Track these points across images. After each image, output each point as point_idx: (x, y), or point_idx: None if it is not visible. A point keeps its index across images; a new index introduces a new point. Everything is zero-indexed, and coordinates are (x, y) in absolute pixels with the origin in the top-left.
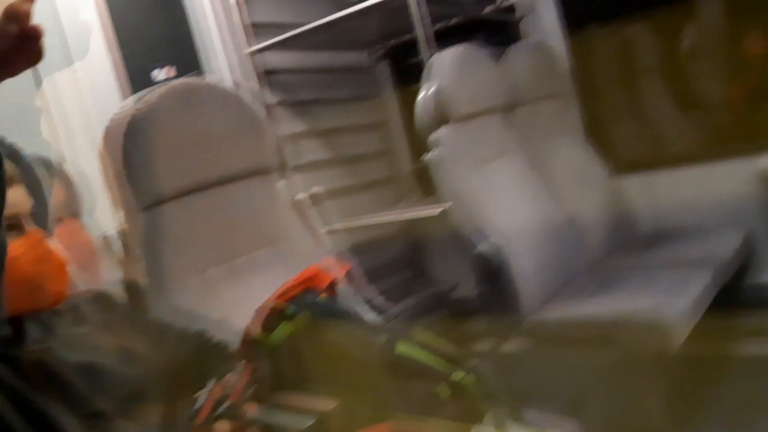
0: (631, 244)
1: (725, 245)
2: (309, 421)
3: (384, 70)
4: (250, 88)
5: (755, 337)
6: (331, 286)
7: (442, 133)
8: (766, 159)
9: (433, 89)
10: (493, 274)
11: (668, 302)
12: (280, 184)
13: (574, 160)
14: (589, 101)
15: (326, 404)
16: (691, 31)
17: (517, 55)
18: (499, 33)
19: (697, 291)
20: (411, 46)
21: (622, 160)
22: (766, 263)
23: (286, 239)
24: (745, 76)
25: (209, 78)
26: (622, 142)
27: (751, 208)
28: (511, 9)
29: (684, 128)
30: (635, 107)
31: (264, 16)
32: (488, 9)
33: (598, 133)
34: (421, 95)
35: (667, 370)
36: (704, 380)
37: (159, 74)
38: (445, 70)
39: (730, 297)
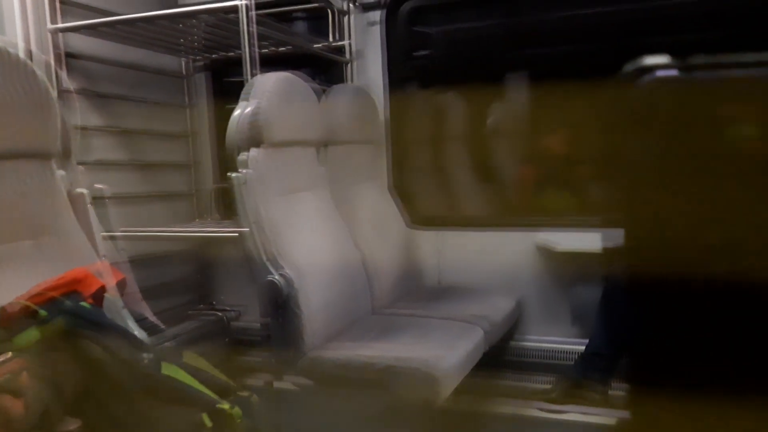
0: (415, 294)
1: (498, 307)
2: None
3: (202, 81)
4: (45, 63)
5: (513, 398)
6: (98, 294)
7: (252, 154)
8: (542, 235)
9: (250, 109)
10: (280, 306)
11: (440, 355)
12: (60, 174)
13: (376, 206)
14: (398, 154)
15: (67, 423)
16: (498, 111)
17: (339, 95)
18: (325, 71)
19: (468, 348)
20: (234, 63)
21: (419, 215)
22: (531, 328)
23: (54, 234)
24: (537, 162)
25: None
26: (421, 197)
27: (525, 276)
28: (341, 50)
29: (478, 195)
30: (439, 168)
31: None
32: (319, 45)
33: (402, 186)
34: (237, 112)
35: (432, 421)
36: None
37: None
38: (266, 92)
39: (497, 357)
